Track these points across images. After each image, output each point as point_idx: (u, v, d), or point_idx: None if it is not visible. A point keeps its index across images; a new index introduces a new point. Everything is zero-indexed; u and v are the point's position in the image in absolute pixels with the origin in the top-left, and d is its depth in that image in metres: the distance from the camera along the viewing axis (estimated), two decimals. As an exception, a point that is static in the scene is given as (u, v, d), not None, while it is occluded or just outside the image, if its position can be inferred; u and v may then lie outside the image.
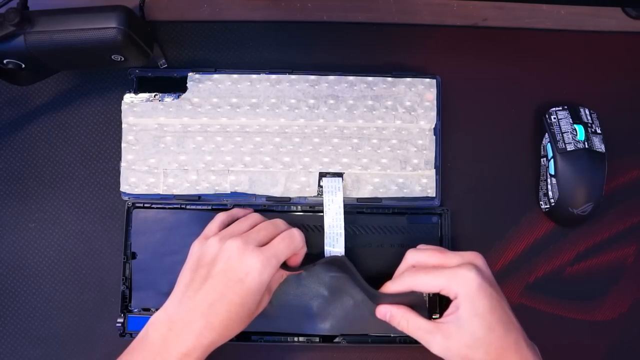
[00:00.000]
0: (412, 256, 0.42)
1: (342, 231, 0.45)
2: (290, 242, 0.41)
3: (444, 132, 0.49)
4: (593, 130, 0.47)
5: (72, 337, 0.47)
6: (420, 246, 0.44)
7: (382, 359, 0.47)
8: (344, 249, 0.45)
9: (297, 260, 0.43)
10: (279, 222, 0.43)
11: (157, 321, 0.39)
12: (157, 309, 0.45)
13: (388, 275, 0.46)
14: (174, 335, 0.38)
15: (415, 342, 0.46)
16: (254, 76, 0.48)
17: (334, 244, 0.45)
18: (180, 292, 0.40)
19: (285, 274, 0.43)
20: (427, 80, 0.48)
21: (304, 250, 0.43)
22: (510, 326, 0.38)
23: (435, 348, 0.39)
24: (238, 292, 0.38)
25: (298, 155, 0.48)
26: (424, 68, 0.50)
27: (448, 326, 0.38)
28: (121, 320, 0.45)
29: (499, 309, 0.38)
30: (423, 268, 0.41)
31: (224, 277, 0.39)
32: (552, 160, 0.47)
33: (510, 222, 0.49)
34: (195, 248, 0.41)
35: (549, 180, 0.47)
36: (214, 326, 0.38)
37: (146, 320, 0.41)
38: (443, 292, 0.39)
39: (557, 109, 0.48)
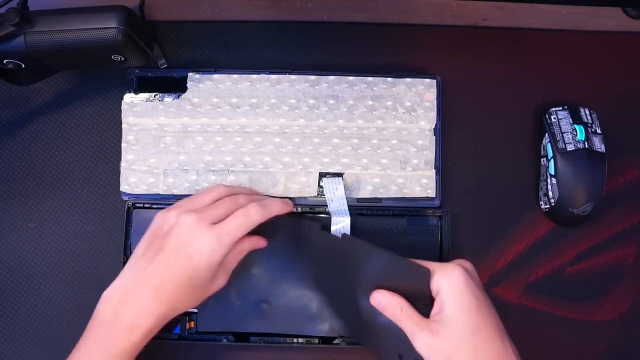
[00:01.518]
0: None
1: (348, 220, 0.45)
2: (246, 220, 0.40)
3: (444, 132, 0.49)
4: (593, 130, 0.47)
5: (72, 337, 0.47)
6: None
7: None
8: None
9: (258, 242, 0.44)
10: (241, 198, 0.42)
11: (108, 295, 0.39)
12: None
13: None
14: (124, 307, 0.38)
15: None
16: (254, 76, 0.48)
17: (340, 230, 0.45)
18: (133, 264, 0.40)
19: (244, 251, 0.43)
20: (427, 80, 0.48)
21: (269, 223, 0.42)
22: (498, 330, 0.37)
23: (419, 344, 0.37)
24: (186, 268, 0.38)
25: (298, 155, 0.48)
26: (424, 68, 0.50)
27: (435, 323, 0.37)
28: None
29: (485, 310, 0.37)
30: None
31: (174, 252, 0.39)
32: (552, 160, 0.47)
33: (510, 222, 0.49)
34: (157, 219, 0.41)
35: (549, 180, 0.47)
36: (163, 298, 0.38)
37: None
38: (431, 288, 0.38)
39: (557, 109, 0.48)
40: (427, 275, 0.38)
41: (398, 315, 0.39)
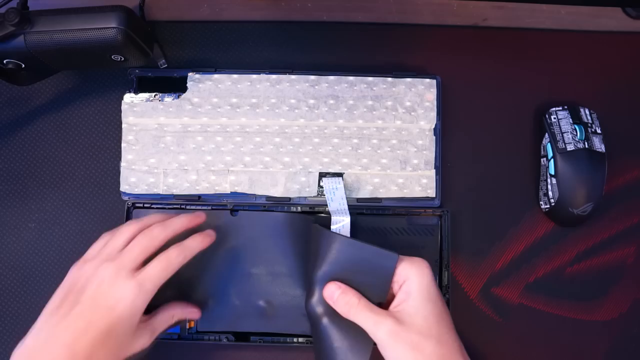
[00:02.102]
0: None
1: (348, 220, 0.45)
2: (168, 264, 0.38)
3: (444, 132, 0.49)
4: (593, 130, 0.47)
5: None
6: None
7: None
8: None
9: (192, 314, 0.43)
10: (156, 231, 0.39)
11: (17, 355, 0.36)
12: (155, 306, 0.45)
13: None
14: None
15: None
16: (254, 76, 0.48)
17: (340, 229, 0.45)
18: (43, 321, 0.36)
19: (176, 316, 0.42)
20: (427, 80, 0.48)
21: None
22: (452, 323, 0.38)
23: (382, 333, 0.36)
24: (106, 319, 0.35)
25: (298, 155, 0.48)
26: (424, 68, 0.50)
27: (399, 313, 0.37)
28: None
29: (445, 303, 0.39)
30: None
31: (92, 304, 0.36)
32: (552, 160, 0.47)
33: (510, 222, 0.49)
34: (71, 273, 0.38)
35: (549, 180, 0.47)
36: (78, 356, 0.35)
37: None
38: (396, 277, 0.38)
39: (557, 109, 0.48)
40: (394, 260, 0.38)
41: (355, 308, 0.37)
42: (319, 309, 0.39)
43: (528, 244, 0.49)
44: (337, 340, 0.38)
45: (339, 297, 0.38)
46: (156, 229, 0.39)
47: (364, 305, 0.38)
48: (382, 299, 0.39)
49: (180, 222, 0.41)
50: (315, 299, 0.39)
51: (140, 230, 0.39)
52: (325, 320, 0.39)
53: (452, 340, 0.37)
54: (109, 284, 0.36)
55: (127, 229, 0.40)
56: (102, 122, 0.49)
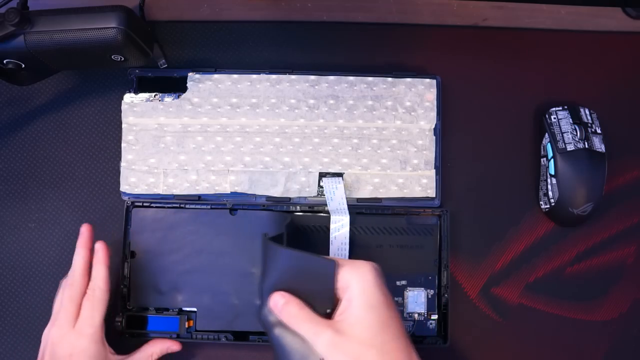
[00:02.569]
0: None
1: (347, 224, 0.45)
2: (92, 303, 0.41)
3: (444, 132, 0.49)
4: (593, 130, 0.47)
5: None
6: None
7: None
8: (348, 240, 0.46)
9: (171, 347, 0.45)
10: (76, 278, 0.42)
11: None
12: (156, 309, 0.46)
13: (387, 276, 0.47)
14: None
15: (414, 343, 0.46)
16: (254, 76, 0.48)
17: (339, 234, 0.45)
18: None
19: (155, 354, 0.45)
20: (427, 80, 0.48)
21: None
22: (402, 329, 0.35)
23: (322, 344, 0.34)
24: None
25: (298, 155, 0.48)
26: (424, 68, 0.50)
27: (341, 322, 0.34)
28: (120, 319, 0.45)
29: (392, 308, 0.36)
30: None
31: None
32: (552, 160, 0.47)
33: (510, 222, 0.49)
34: (42, 337, 0.42)
35: (549, 180, 0.47)
36: None
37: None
38: (339, 284, 0.36)
39: (557, 109, 0.48)
40: (332, 267, 0.35)
41: (295, 318, 0.35)
42: (270, 319, 0.37)
43: (528, 244, 0.49)
44: (288, 351, 0.36)
45: (282, 307, 0.36)
46: (74, 275, 0.42)
47: (304, 315, 0.35)
48: (329, 308, 0.36)
49: (81, 258, 0.43)
50: (266, 309, 0.37)
51: (68, 284, 0.43)
52: (277, 331, 0.37)
53: (397, 349, 0.34)
54: (59, 344, 0.40)
55: (62, 288, 0.43)
56: (102, 122, 0.49)
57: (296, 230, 0.47)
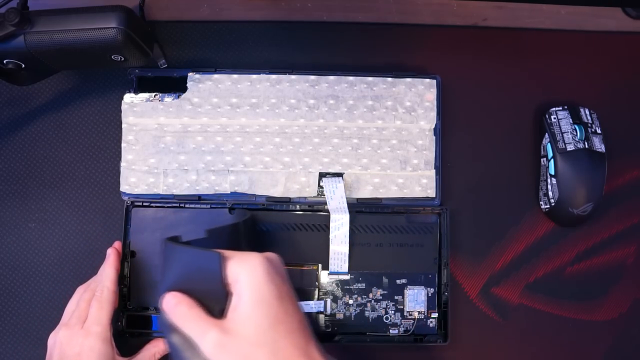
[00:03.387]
0: None
1: (347, 228, 0.45)
2: (100, 303, 0.42)
3: (444, 132, 0.49)
4: (593, 130, 0.47)
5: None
6: None
7: (380, 359, 0.47)
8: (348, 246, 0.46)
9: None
10: (93, 284, 0.44)
11: None
12: (156, 308, 0.45)
13: (386, 275, 0.47)
14: None
15: (415, 341, 0.46)
16: (254, 76, 0.48)
17: (340, 241, 0.45)
18: None
19: (158, 354, 0.45)
20: (427, 80, 0.48)
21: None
22: (300, 324, 0.33)
23: (207, 345, 0.31)
24: None
25: (298, 155, 0.48)
26: (424, 68, 0.50)
27: (229, 321, 0.32)
28: (120, 318, 0.45)
29: (288, 302, 0.33)
30: None
31: None
32: (552, 160, 0.47)
33: (510, 222, 0.49)
34: (48, 341, 0.42)
35: (549, 180, 0.47)
36: None
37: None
38: (229, 279, 0.33)
39: (557, 109, 0.48)
40: (216, 260, 0.33)
41: (183, 318, 0.33)
42: (165, 322, 0.34)
43: (528, 244, 0.49)
44: (180, 356, 0.33)
45: (173, 308, 0.33)
46: (100, 290, 0.43)
47: (192, 315, 0.33)
48: (222, 306, 0.33)
49: (109, 268, 0.44)
50: (161, 312, 0.35)
51: (85, 290, 0.44)
52: (171, 335, 0.34)
53: (291, 345, 0.32)
54: (68, 345, 0.40)
55: (75, 295, 0.44)
56: (102, 122, 0.49)
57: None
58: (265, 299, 0.32)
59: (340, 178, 0.47)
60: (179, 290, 0.34)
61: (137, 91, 0.48)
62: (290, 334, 0.32)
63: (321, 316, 0.46)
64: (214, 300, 0.33)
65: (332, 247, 0.46)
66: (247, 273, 0.33)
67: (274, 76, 0.48)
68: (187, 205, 0.47)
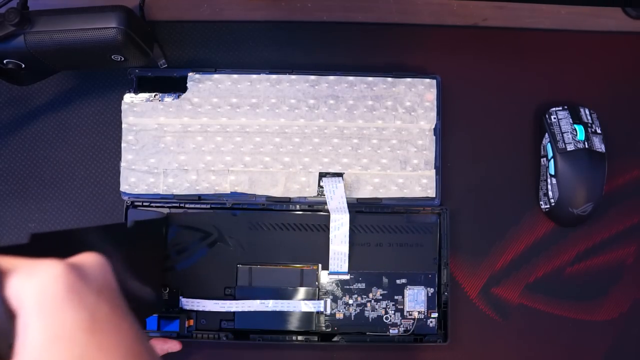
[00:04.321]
0: None
1: (347, 229, 0.45)
2: None
3: (444, 132, 0.49)
4: (593, 130, 0.47)
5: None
6: None
7: (380, 358, 0.47)
8: (348, 247, 0.46)
9: (172, 347, 0.44)
10: None
11: None
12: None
13: (386, 275, 0.47)
14: None
15: (414, 341, 0.46)
16: (254, 76, 0.48)
17: (340, 241, 0.45)
18: None
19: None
20: (427, 80, 0.48)
21: None
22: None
23: None
24: None
25: (298, 155, 0.48)
26: (424, 68, 0.50)
27: None
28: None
29: (108, 329, 0.23)
30: None
31: None
32: (552, 160, 0.47)
33: (510, 222, 0.49)
34: None
35: (549, 180, 0.47)
36: None
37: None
38: (13, 306, 0.22)
39: (557, 109, 0.48)
40: None
41: None
42: None
43: (528, 244, 0.49)
44: None
45: None
46: None
47: None
48: (10, 341, 0.22)
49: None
50: None
51: None
52: None
53: None
54: None
55: None
56: (102, 122, 0.49)
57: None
58: (65, 332, 0.21)
59: (340, 178, 0.47)
60: None
61: (137, 91, 0.48)
62: None
63: (321, 316, 0.46)
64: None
65: (332, 247, 0.46)
66: (35, 294, 0.22)
67: (274, 76, 0.48)
68: (187, 206, 0.47)
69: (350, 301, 0.46)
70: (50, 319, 0.21)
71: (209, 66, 0.49)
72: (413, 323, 0.46)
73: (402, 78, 0.48)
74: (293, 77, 0.48)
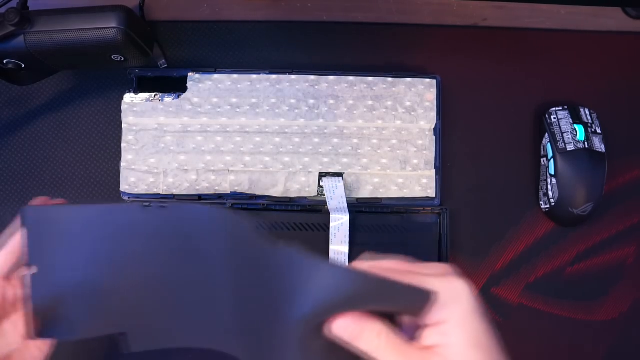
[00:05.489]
0: (369, 259, 0.32)
1: (347, 225, 0.45)
2: None
3: (444, 132, 0.49)
4: (593, 130, 0.47)
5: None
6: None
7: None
8: (348, 245, 0.45)
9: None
10: None
11: None
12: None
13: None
14: None
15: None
16: (254, 76, 0.48)
17: (340, 240, 0.45)
18: None
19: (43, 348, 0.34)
20: (427, 80, 0.48)
21: None
22: None
23: None
24: None
25: (298, 155, 0.48)
26: (424, 68, 0.50)
27: (436, 356, 0.26)
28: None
29: (495, 341, 0.28)
30: (392, 271, 0.28)
31: None
32: (552, 160, 0.47)
33: (510, 222, 0.49)
34: None
35: (549, 180, 0.47)
36: None
37: None
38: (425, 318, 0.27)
39: (557, 109, 0.48)
40: (426, 299, 0.26)
41: (377, 346, 0.27)
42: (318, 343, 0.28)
43: (528, 244, 0.49)
44: None
45: (357, 333, 0.27)
46: None
47: (388, 342, 0.27)
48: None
49: None
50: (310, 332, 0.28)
51: None
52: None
53: None
54: None
55: None
56: (102, 122, 0.49)
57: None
58: (480, 343, 0.27)
59: (340, 178, 0.47)
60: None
61: (137, 91, 0.48)
62: None
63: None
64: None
65: (332, 247, 0.46)
66: (458, 311, 0.27)
67: (274, 76, 0.48)
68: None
69: (350, 301, 0.46)
70: (468, 328, 0.27)
71: (209, 66, 0.49)
72: (413, 323, 0.46)
73: (402, 78, 0.48)
74: (293, 77, 0.48)
